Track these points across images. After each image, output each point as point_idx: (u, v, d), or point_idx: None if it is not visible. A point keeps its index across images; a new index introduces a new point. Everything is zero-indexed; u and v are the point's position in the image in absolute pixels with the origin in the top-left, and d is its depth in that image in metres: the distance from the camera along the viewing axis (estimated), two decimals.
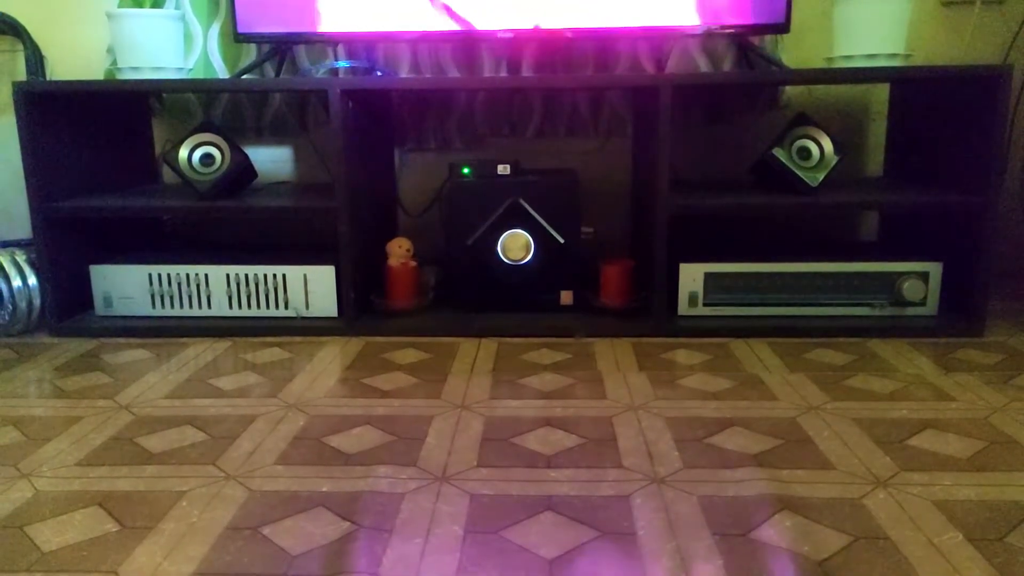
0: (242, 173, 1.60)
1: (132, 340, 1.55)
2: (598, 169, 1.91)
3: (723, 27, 1.60)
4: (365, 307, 1.62)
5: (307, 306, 1.58)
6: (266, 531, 0.86)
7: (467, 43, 1.79)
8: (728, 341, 1.50)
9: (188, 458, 1.04)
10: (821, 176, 1.50)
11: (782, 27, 1.59)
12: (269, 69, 1.79)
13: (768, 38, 1.75)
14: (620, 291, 1.59)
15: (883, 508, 0.89)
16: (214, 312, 1.59)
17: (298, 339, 1.54)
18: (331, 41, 1.76)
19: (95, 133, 1.70)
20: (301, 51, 1.81)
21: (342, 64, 1.81)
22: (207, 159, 1.56)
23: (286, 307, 1.58)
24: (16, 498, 0.94)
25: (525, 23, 1.59)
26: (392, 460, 1.02)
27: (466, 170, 1.58)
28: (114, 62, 1.72)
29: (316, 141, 1.91)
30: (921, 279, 1.52)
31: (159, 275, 1.58)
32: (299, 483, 0.97)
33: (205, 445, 1.08)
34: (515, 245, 1.57)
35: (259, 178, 1.78)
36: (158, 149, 1.93)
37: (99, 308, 1.61)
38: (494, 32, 1.61)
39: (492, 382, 1.30)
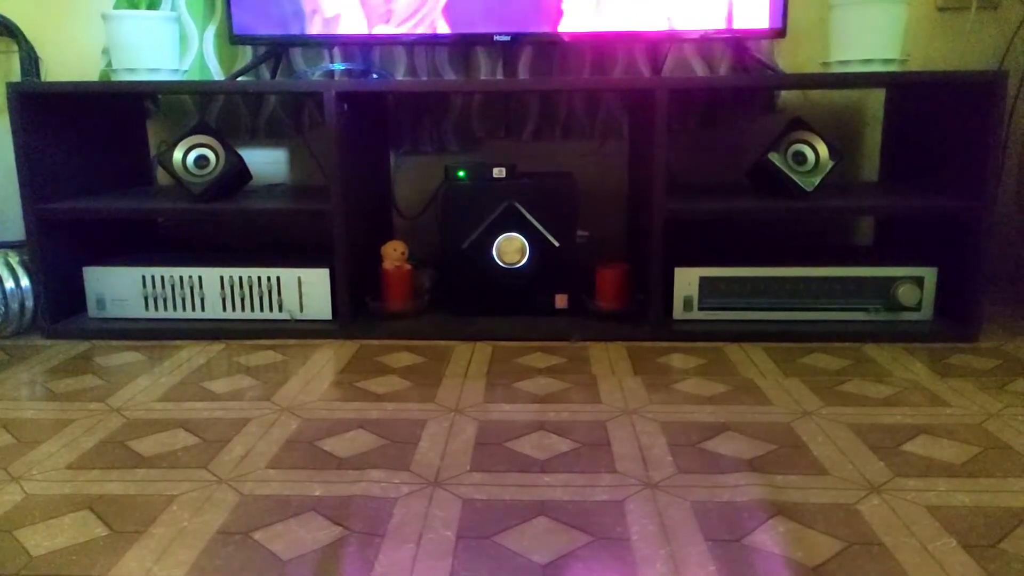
0: (237, 175, 1.60)
1: (125, 342, 1.54)
2: (594, 172, 1.91)
3: (719, 31, 1.60)
4: (360, 310, 1.61)
5: (301, 309, 1.58)
6: (257, 536, 0.85)
7: (463, 46, 1.79)
8: (723, 345, 1.50)
9: (179, 462, 1.03)
10: (816, 181, 1.50)
11: (779, 32, 1.60)
12: (264, 71, 1.78)
13: (764, 42, 1.75)
14: (615, 295, 1.58)
15: (877, 514, 0.89)
16: (208, 315, 1.59)
17: (292, 342, 1.54)
18: (327, 43, 1.76)
19: (90, 134, 1.69)
20: (297, 53, 1.81)
21: (338, 66, 1.80)
22: (202, 161, 1.56)
23: (280, 310, 1.58)
24: (5, 501, 0.93)
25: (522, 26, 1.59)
26: (385, 464, 1.02)
27: (462, 173, 1.58)
28: (109, 63, 1.72)
29: (311, 143, 1.91)
30: (916, 284, 1.52)
31: (153, 277, 1.57)
32: (291, 487, 0.96)
33: (197, 449, 1.07)
34: (510, 248, 1.57)
35: (254, 180, 1.78)
36: (153, 151, 1.92)
37: (92, 310, 1.60)
38: (490, 35, 1.61)
39: (486, 386, 1.30)
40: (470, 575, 0.78)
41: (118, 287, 1.58)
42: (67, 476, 1.00)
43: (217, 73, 1.82)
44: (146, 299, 1.59)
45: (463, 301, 1.61)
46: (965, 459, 1.02)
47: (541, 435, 1.11)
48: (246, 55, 1.81)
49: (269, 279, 1.57)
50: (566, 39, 1.61)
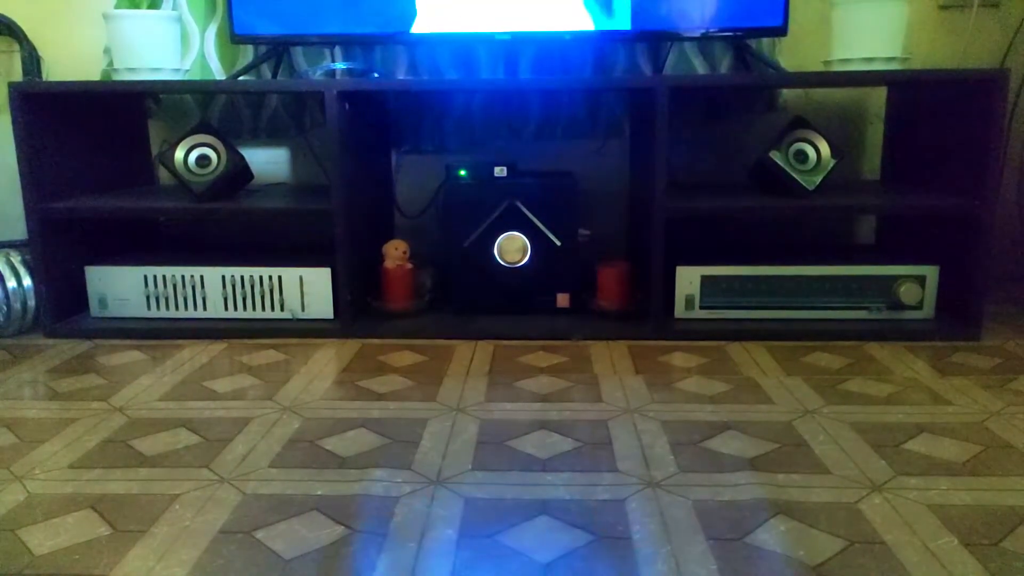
0: (238, 174, 1.60)
1: (127, 342, 1.55)
2: (595, 171, 1.91)
3: (721, 30, 1.60)
4: (361, 309, 1.61)
5: (303, 308, 1.58)
6: (259, 535, 0.86)
7: (464, 45, 1.79)
8: (724, 344, 1.50)
9: (182, 461, 1.04)
10: (818, 179, 1.50)
11: (780, 30, 1.59)
12: (266, 70, 1.78)
13: (766, 41, 1.75)
14: (617, 294, 1.58)
15: (879, 512, 0.89)
16: (209, 314, 1.59)
17: (294, 341, 1.54)
18: (328, 42, 1.76)
19: (91, 134, 1.69)
20: (298, 52, 1.81)
21: (339, 65, 1.80)
22: (203, 160, 1.56)
23: (282, 309, 1.58)
24: (8, 501, 0.94)
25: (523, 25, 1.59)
26: (387, 463, 1.02)
27: (463, 172, 1.58)
28: (111, 63, 1.72)
29: (313, 143, 1.91)
30: (918, 283, 1.52)
31: (154, 276, 1.58)
32: (293, 486, 0.96)
33: (199, 448, 1.07)
34: (512, 247, 1.57)
35: (255, 179, 1.78)
36: (154, 150, 1.92)
37: (94, 310, 1.60)
38: (491, 34, 1.61)
39: (488, 385, 1.30)
40: (472, 574, 0.78)
41: (120, 286, 1.58)
42: (69, 475, 1.00)
43: (218, 72, 1.82)
44: (148, 298, 1.59)
45: (464, 300, 1.61)
46: (967, 458, 1.02)
47: (543, 434, 1.11)
48: (247, 54, 1.81)
49: (271, 278, 1.57)
50: (567, 37, 1.61)
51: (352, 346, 1.50)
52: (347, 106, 1.51)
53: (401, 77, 1.81)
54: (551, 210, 1.56)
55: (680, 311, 1.55)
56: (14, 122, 1.49)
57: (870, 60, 1.49)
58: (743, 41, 1.71)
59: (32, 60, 1.83)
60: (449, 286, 1.62)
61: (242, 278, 1.57)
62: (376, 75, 1.79)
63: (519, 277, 1.59)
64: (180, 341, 1.55)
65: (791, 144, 1.51)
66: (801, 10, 1.80)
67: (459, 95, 1.85)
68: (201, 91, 1.79)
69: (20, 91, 1.49)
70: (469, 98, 1.85)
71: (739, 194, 1.60)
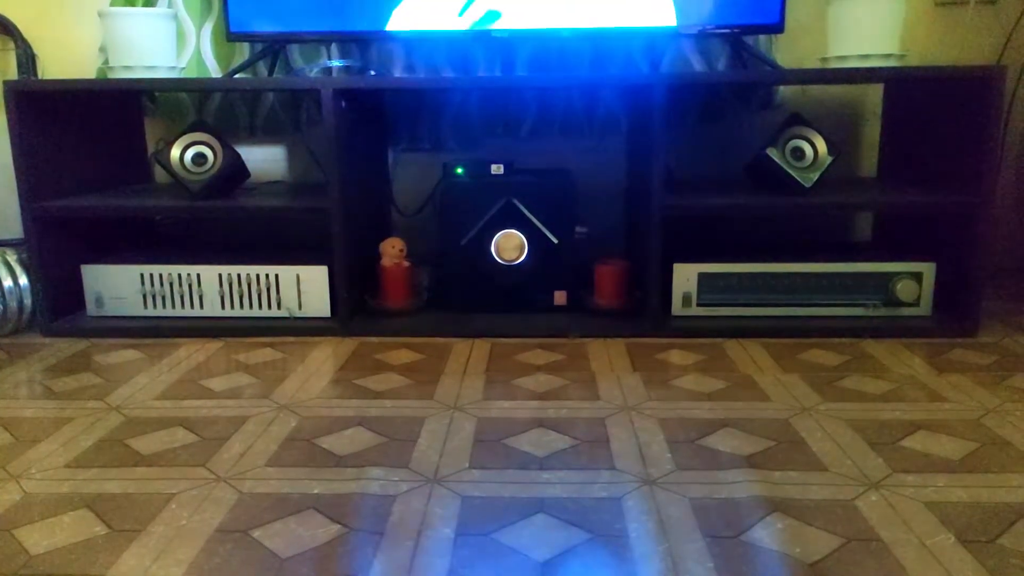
0: (235, 173, 1.60)
1: (123, 340, 1.54)
2: (592, 169, 1.91)
3: (718, 27, 1.59)
4: (358, 307, 1.61)
5: (300, 306, 1.57)
6: (256, 534, 0.86)
7: (461, 42, 1.79)
8: (722, 341, 1.50)
9: (178, 460, 1.03)
10: (815, 176, 1.50)
11: (776, 27, 1.59)
12: (262, 68, 1.78)
13: (762, 38, 1.75)
14: (614, 291, 1.58)
15: (875, 510, 0.89)
16: (206, 312, 1.58)
17: (291, 339, 1.54)
18: (324, 40, 1.75)
19: (87, 132, 1.69)
20: (294, 50, 1.81)
21: (335, 63, 1.80)
22: (199, 159, 1.55)
23: (279, 307, 1.58)
24: (5, 500, 0.93)
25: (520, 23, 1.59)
26: (384, 462, 1.02)
27: (460, 170, 1.57)
28: (106, 61, 1.71)
29: (309, 141, 1.90)
30: (914, 279, 1.52)
31: (151, 275, 1.57)
32: (290, 485, 0.96)
33: (196, 447, 1.07)
34: (509, 245, 1.56)
35: (252, 178, 1.77)
36: (150, 148, 1.92)
37: (90, 308, 1.60)
38: (489, 31, 1.60)
39: (485, 383, 1.30)
40: (469, 572, 0.78)
41: (116, 285, 1.58)
42: (66, 475, 1.00)
43: (214, 70, 1.82)
44: (144, 297, 1.58)
45: (462, 298, 1.61)
46: (963, 455, 1.03)
47: (540, 432, 1.11)
48: (243, 52, 1.81)
49: (267, 277, 1.57)
50: (564, 35, 1.61)
51: (349, 344, 1.50)
52: (343, 104, 1.51)
53: (398, 75, 1.81)
54: (548, 208, 1.55)
55: (677, 308, 1.55)
56: (9, 120, 1.48)
57: (867, 57, 1.48)
58: (740, 38, 1.70)
59: (27, 58, 1.82)
60: (446, 284, 1.61)
61: (239, 276, 1.57)
62: (373, 73, 1.79)
63: (516, 275, 1.59)
64: (177, 340, 1.54)
65: (788, 141, 1.51)
66: (798, 7, 1.80)
67: (456, 93, 1.85)
68: (197, 89, 1.78)
69: (15, 89, 1.48)
70: (466, 96, 1.85)
71: (736, 191, 1.60)
